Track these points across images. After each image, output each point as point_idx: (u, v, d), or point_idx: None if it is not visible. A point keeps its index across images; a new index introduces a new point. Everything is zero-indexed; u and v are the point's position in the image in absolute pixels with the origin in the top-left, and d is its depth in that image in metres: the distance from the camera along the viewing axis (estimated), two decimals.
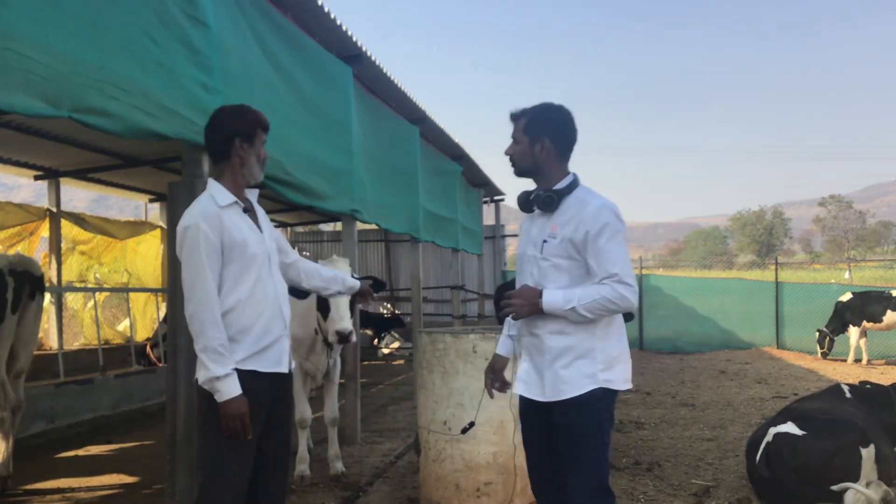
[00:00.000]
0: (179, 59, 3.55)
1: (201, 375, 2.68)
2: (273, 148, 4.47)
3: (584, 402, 2.68)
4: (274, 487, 2.92)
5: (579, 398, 2.68)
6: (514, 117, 2.86)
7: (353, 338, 4.69)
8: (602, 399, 2.70)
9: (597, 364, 2.69)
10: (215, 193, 2.81)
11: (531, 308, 2.71)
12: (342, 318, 4.57)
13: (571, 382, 2.69)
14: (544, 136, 2.78)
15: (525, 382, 2.85)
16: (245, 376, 2.72)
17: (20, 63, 2.65)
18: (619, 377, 2.75)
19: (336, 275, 3.42)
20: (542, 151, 2.79)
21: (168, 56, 3.46)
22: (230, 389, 2.65)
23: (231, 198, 2.81)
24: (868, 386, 5.12)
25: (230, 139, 2.83)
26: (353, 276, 4.79)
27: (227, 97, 3.79)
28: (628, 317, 4.00)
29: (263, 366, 2.79)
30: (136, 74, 3.23)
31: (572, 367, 2.70)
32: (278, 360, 2.85)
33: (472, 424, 3.43)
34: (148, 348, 9.23)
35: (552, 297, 2.67)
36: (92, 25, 3.00)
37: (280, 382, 2.88)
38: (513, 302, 2.74)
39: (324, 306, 4.73)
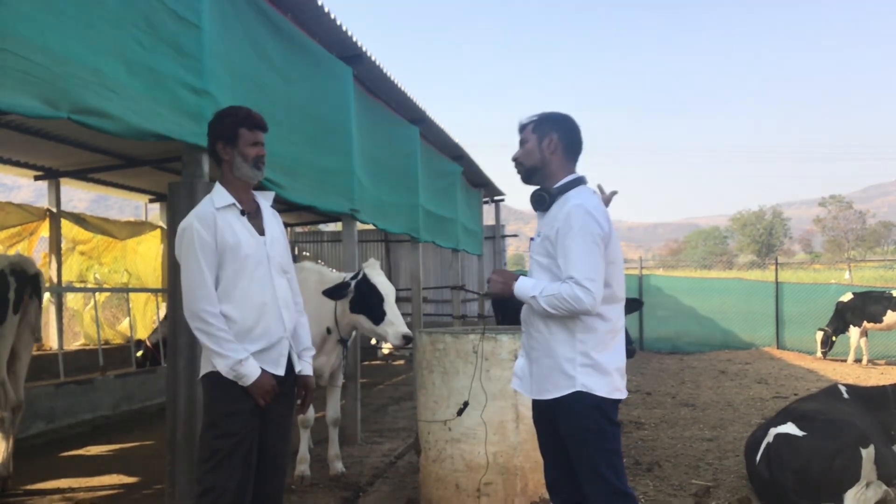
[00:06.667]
0: (167, 61, 3.53)
1: (223, 366, 2.73)
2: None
3: (567, 406, 2.68)
4: (272, 483, 2.94)
5: (561, 400, 2.69)
6: (522, 125, 2.91)
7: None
8: (590, 405, 2.65)
9: (575, 368, 2.66)
10: (215, 195, 2.88)
11: (504, 286, 2.78)
12: (402, 321, 4.71)
13: (550, 383, 2.72)
14: (552, 132, 2.81)
15: (519, 378, 2.94)
16: None
17: (18, 64, 2.65)
18: (603, 385, 2.66)
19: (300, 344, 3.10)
20: (549, 145, 2.81)
21: (155, 58, 3.45)
22: (253, 371, 2.75)
23: (228, 199, 2.86)
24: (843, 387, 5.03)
25: (214, 144, 2.92)
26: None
27: (216, 99, 3.77)
28: (635, 305, 4.00)
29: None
30: (123, 77, 3.23)
31: (551, 367, 2.72)
32: (276, 362, 2.89)
33: (466, 405, 3.59)
34: (149, 343, 9.25)
35: (523, 283, 2.75)
36: (86, 27, 3.01)
37: (279, 381, 2.90)
38: (492, 278, 2.85)
39: (370, 310, 4.72)
